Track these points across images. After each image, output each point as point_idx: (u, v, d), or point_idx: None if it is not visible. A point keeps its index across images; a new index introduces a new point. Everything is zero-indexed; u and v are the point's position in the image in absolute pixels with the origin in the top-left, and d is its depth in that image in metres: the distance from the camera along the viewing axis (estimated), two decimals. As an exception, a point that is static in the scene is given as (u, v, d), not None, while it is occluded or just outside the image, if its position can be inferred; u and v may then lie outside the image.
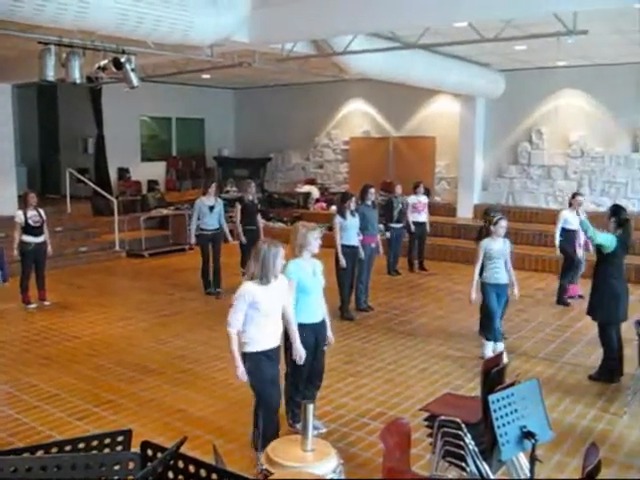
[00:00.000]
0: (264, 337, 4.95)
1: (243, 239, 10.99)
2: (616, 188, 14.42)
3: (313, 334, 5.59)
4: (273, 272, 4.88)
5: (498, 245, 7.57)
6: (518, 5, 7.68)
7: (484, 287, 7.69)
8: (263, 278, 4.86)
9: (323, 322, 5.71)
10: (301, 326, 5.43)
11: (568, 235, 10.14)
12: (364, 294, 10.10)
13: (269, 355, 5.00)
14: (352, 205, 9.36)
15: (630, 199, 14.18)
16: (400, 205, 12.48)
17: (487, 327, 7.88)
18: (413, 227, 12.70)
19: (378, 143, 17.96)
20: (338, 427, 5.97)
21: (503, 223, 7.56)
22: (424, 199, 12.88)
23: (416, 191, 12.74)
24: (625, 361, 7.07)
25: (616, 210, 7.11)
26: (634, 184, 14.27)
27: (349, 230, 9.33)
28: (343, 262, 9.23)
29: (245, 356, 4.92)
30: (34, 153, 18.89)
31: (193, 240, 10.84)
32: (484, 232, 8.24)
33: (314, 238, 5.59)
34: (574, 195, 10.12)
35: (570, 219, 9.98)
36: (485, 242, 7.63)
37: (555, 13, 7.95)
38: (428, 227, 13.10)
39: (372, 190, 10.14)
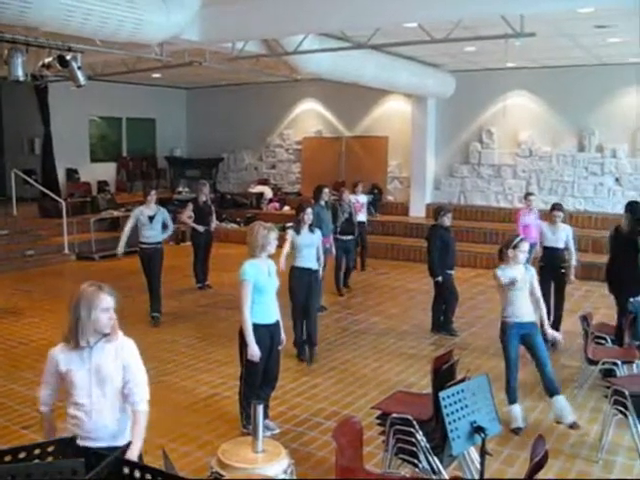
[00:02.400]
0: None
1: (201, 228, 11.04)
2: (563, 187, 14.72)
3: (268, 334, 5.56)
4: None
5: (517, 274, 5.81)
6: (466, 7, 7.78)
7: (504, 329, 5.98)
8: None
9: (278, 323, 5.69)
10: (256, 326, 5.41)
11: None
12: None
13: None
14: (309, 218, 7.72)
15: (576, 197, 14.52)
16: (347, 214, 11.00)
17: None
18: None
19: (331, 143, 17.99)
20: (292, 427, 5.95)
21: (524, 247, 5.87)
22: (362, 198, 12.61)
23: (355, 190, 12.36)
24: (571, 355, 7.22)
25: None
26: (580, 183, 14.59)
27: (302, 249, 7.68)
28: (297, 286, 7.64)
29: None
30: (-24, 154, 18.42)
31: (120, 250, 9.61)
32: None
33: (274, 238, 5.56)
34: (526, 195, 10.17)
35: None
36: (499, 271, 5.86)
37: (502, 15, 8.07)
38: (368, 226, 12.95)
39: (326, 190, 9.97)
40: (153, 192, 9.66)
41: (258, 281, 5.46)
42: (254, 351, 5.36)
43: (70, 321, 3.43)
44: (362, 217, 12.56)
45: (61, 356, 3.45)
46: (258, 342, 5.39)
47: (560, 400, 5.89)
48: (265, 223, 5.69)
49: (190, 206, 11.19)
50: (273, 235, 5.54)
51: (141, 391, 3.49)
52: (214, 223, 11.55)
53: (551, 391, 5.90)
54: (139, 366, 3.53)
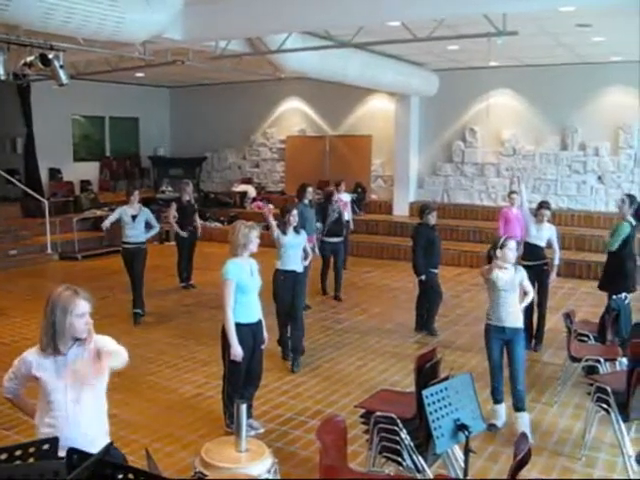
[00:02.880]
0: None
1: (183, 232, 11.03)
2: (546, 185, 14.81)
3: (251, 334, 5.55)
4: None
5: (506, 274, 5.67)
6: (449, 5, 7.80)
7: (486, 330, 5.87)
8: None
9: (260, 322, 5.68)
10: (239, 326, 5.40)
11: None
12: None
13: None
14: (294, 219, 7.64)
15: (559, 195, 14.61)
16: (337, 214, 10.72)
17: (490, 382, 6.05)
18: None
19: (314, 142, 17.98)
20: (276, 426, 5.94)
21: (512, 245, 5.72)
22: (345, 197, 12.58)
23: (338, 189, 12.15)
24: (554, 352, 7.25)
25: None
26: (563, 181, 14.68)
27: (287, 250, 7.54)
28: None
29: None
30: (-43, 154, 18.23)
31: (107, 224, 9.60)
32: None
33: (255, 237, 5.54)
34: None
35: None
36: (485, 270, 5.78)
37: (485, 14, 8.10)
38: (352, 225, 12.85)
39: (310, 189, 9.92)
40: (136, 192, 9.67)
41: (241, 280, 5.44)
42: (237, 351, 5.35)
43: (44, 326, 3.35)
44: (346, 216, 12.52)
45: (35, 361, 3.36)
46: (241, 342, 5.38)
47: (524, 417, 5.71)
48: (246, 222, 5.67)
49: (174, 206, 11.18)
50: (254, 234, 5.53)
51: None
52: (198, 223, 11.53)
53: (518, 407, 5.74)
54: (115, 346, 3.43)
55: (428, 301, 8.90)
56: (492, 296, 5.74)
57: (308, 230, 9.09)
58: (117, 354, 3.37)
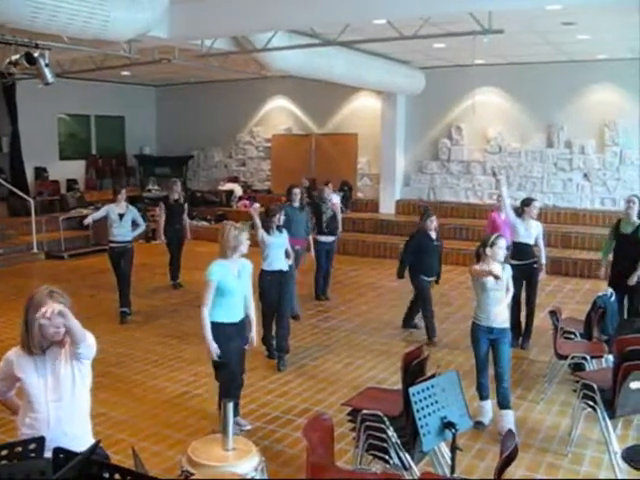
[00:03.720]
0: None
1: (162, 238, 10.96)
2: (532, 183, 14.87)
3: (236, 332, 5.53)
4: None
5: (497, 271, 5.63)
6: (434, 3, 7.82)
7: (473, 329, 5.90)
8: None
9: (243, 321, 5.63)
10: (224, 325, 5.39)
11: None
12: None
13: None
14: (280, 219, 7.74)
15: (545, 193, 14.67)
16: (330, 211, 10.55)
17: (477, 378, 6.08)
18: None
19: (300, 140, 17.98)
20: (263, 425, 5.94)
21: (502, 243, 5.73)
22: (335, 198, 12.20)
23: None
24: (540, 350, 7.28)
25: None
26: (549, 179, 14.75)
27: (272, 250, 7.59)
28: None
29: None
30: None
31: (89, 221, 9.93)
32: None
33: (245, 239, 5.50)
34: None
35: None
36: (477, 268, 5.76)
37: (471, 12, 8.13)
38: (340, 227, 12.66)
39: (296, 190, 9.57)
40: (123, 191, 9.68)
41: (225, 282, 5.37)
42: (213, 348, 5.31)
43: (21, 325, 3.34)
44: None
45: (16, 361, 3.36)
46: (228, 340, 5.36)
47: (509, 415, 5.71)
48: (236, 223, 5.64)
49: (162, 207, 11.04)
50: (244, 236, 5.49)
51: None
52: (187, 222, 11.41)
53: (503, 404, 5.74)
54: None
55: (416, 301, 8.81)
56: (480, 295, 5.73)
57: (295, 233, 8.98)
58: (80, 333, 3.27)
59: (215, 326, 5.37)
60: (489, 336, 5.72)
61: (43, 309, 3.08)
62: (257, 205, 7.58)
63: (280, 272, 7.56)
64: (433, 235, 8.40)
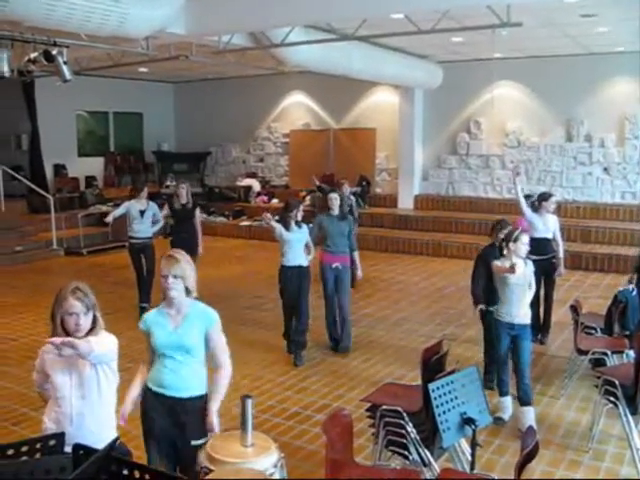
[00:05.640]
0: None
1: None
2: (552, 177, 14.75)
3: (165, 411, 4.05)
4: None
5: (520, 269, 5.47)
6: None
7: (495, 325, 5.79)
8: None
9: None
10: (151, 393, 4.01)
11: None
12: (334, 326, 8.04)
13: None
14: (299, 214, 7.35)
15: (565, 187, 14.55)
16: (348, 207, 9.78)
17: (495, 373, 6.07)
18: None
19: (318, 135, 17.95)
20: (282, 421, 5.94)
21: (525, 239, 5.62)
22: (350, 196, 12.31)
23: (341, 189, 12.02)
24: (560, 345, 7.22)
25: None
26: (568, 173, 14.62)
27: (292, 245, 7.29)
28: None
29: None
30: (-37, 151, 18.25)
31: (110, 219, 9.59)
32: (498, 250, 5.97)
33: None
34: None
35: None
36: (498, 264, 5.62)
37: (489, 5, 8.06)
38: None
39: (334, 195, 7.91)
40: (146, 188, 9.71)
41: (153, 335, 4.22)
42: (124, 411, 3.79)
43: (51, 321, 3.42)
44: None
45: (47, 356, 3.43)
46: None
47: (530, 412, 5.63)
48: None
49: (167, 209, 9.79)
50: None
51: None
52: (199, 228, 9.66)
53: (524, 400, 5.64)
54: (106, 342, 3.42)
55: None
56: (502, 291, 5.66)
57: (334, 247, 7.80)
58: (101, 344, 3.32)
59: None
60: (510, 332, 5.65)
61: (51, 339, 3.18)
62: (269, 215, 7.45)
63: (300, 267, 7.39)
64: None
